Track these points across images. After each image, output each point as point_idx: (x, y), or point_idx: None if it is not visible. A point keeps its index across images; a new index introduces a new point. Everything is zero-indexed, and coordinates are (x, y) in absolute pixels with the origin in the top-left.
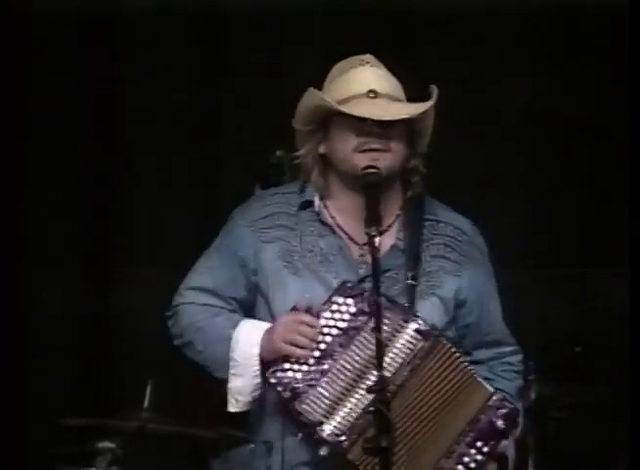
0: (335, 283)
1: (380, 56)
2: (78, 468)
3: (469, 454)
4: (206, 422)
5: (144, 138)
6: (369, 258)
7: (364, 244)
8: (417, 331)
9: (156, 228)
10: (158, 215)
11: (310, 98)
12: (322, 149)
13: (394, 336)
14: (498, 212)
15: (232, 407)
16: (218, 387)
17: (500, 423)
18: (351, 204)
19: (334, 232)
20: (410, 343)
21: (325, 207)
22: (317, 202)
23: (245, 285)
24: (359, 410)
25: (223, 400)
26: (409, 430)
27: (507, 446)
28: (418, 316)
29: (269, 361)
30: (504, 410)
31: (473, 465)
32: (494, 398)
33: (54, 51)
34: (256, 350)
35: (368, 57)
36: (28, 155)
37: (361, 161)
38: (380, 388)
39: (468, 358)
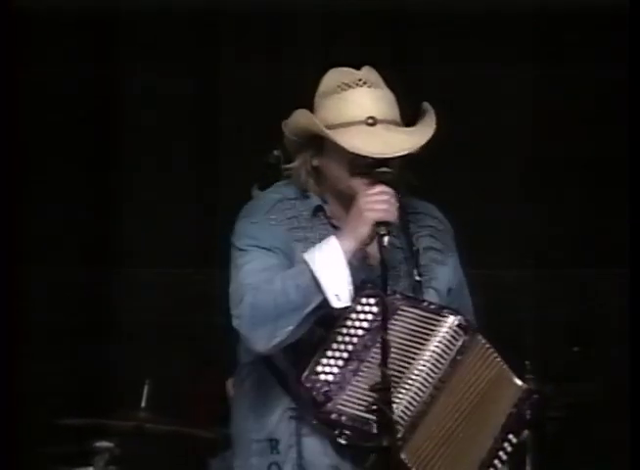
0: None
1: (377, 57)
2: (76, 468)
3: (503, 448)
4: (204, 422)
5: (143, 138)
6: (372, 260)
7: (365, 245)
8: (459, 326)
9: (155, 228)
10: (157, 215)
11: (303, 119)
12: (316, 162)
13: (432, 330)
14: (497, 213)
15: (335, 303)
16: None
17: (529, 413)
18: (346, 210)
19: None
20: (452, 337)
21: (332, 212)
22: (327, 207)
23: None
24: (402, 407)
25: (221, 400)
26: (453, 427)
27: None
28: (453, 310)
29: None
30: (531, 401)
31: (505, 457)
32: (523, 389)
33: (53, 50)
34: (336, 244)
35: (365, 73)
36: (27, 154)
37: (358, 184)
38: (383, 387)
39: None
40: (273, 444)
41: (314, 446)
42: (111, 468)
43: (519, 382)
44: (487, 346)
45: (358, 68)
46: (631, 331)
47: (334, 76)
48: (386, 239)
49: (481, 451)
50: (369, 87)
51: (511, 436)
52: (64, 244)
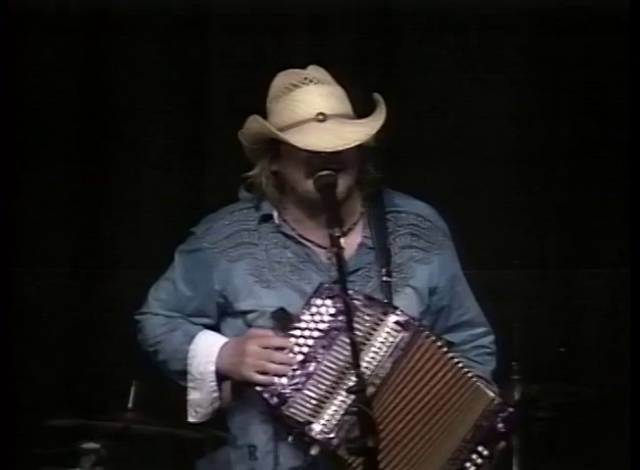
0: (308, 289)
1: (362, 57)
2: (63, 469)
3: (471, 460)
4: (192, 422)
5: (139, 139)
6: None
7: (330, 246)
8: (396, 323)
9: (144, 230)
10: (147, 217)
11: (255, 124)
12: (274, 167)
13: (375, 330)
14: (484, 213)
15: (192, 418)
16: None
17: (501, 426)
18: (309, 212)
19: (297, 241)
20: (391, 335)
21: (284, 219)
22: (276, 214)
23: (211, 304)
24: (346, 408)
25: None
26: (402, 426)
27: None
28: (396, 308)
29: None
30: (505, 414)
31: (473, 469)
32: (495, 402)
33: (52, 50)
34: (212, 367)
35: (312, 72)
36: (20, 156)
37: (313, 187)
38: (360, 388)
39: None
40: (251, 450)
41: (291, 452)
42: (97, 469)
43: (489, 393)
44: (433, 339)
45: (347, 68)
46: (631, 331)
47: (281, 79)
48: (342, 240)
49: (441, 460)
50: (315, 84)
51: (481, 448)
52: (49, 244)
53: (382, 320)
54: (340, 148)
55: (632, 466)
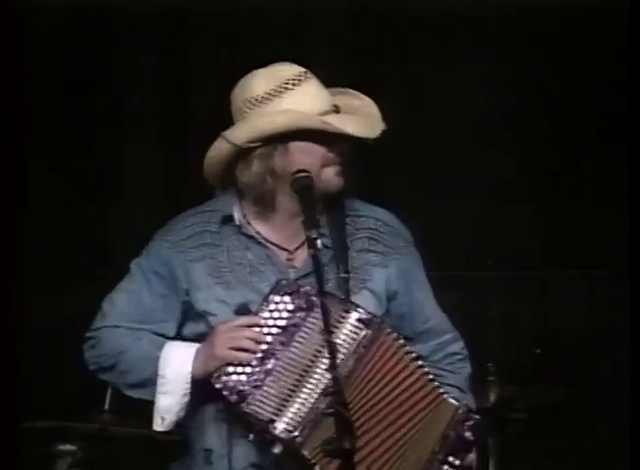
0: (267, 291)
1: (346, 55)
2: None
3: None
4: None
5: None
6: (297, 262)
7: (295, 249)
8: (359, 320)
9: (128, 232)
10: (132, 220)
11: (282, 118)
12: (276, 164)
13: (337, 328)
14: (463, 214)
15: (158, 427)
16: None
17: (469, 435)
18: (288, 213)
19: (258, 242)
20: (353, 332)
21: (248, 221)
22: (237, 215)
23: (177, 306)
24: (309, 406)
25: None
26: (368, 427)
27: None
28: (358, 306)
29: (200, 380)
30: (471, 422)
31: None
32: (460, 411)
33: (51, 49)
34: (188, 367)
35: (298, 67)
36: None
37: (329, 175)
38: (336, 390)
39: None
40: (207, 454)
41: (245, 457)
42: None
43: (453, 402)
44: (395, 335)
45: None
46: (632, 331)
47: (268, 76)
48: (319, 242)
49: None
50: (314, 79)
51: (451, 458)
52: (37, 243)
53: (344, 317)
54: (377, 134)
55: (632, 466)
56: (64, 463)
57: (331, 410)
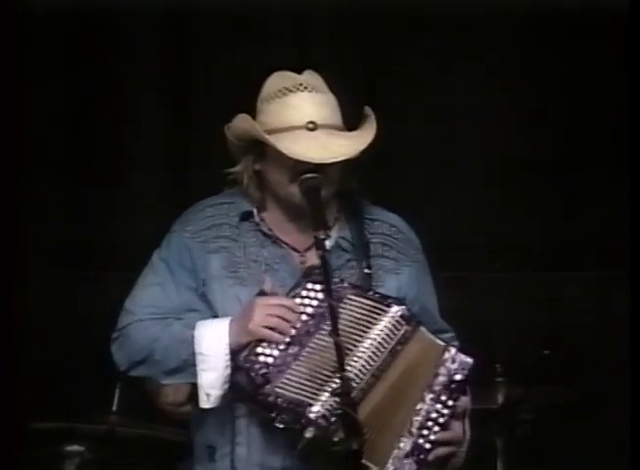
0: (281, 291)
1: (348, 58)
2: None
3: (436, 410)
4: (175, 425)
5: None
6: (309, 264)
7: (305, 250)
8: (402, 316)
9: (130, 233)
10: (133, 220)
11: (244, 123)
12: (257, 167)
13: (375, 319)
14: (468, 215)
15: (205, 404)
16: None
17: (458, 375)
18: (288, 215)
19: (274, 242)
20: (394, 327)
21: (262, 218)
22: (255, 212)
23: (198, 295)
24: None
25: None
26: (389, 414)
27: (467, 405)
28: (398, 300)
29: (238, 350)
30: (459, 362)
31: (442, 420)
32: (449, 350)
33: (51, 49)
34: (226, 340)
35: (306, 78)
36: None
37: (297, 191)
38: (345, 391)
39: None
40: (210, 451)
41: (247, 457)
42: None
43: (439, 342)
44: (431, 338)
45: (335, 69)
46: (632, 331)
47: (276, 81)
48: (327, 243)
49: (407, 412)
50: (310, 92)
51: (444, 397)
52: (42, 245)
53: (384, 310)
54: (327, 161)
55: (632, 466)
56: (72, 464)
57: (339, 411)
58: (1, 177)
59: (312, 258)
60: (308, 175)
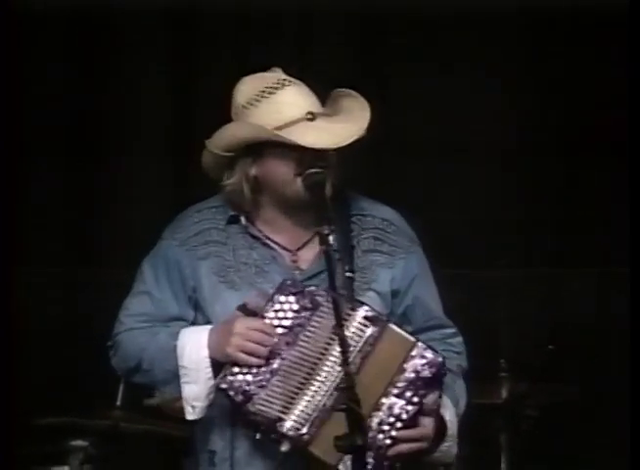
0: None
1: (349, 56)
2: (51, 467)
3: (399, 405)
4: (179, 420)
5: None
6: (302, 263)
7: (298, 248)
8: (365, 318)
9: (128, 230)
10: (132, 219)
11: (246, 130)
12: (254, 172)
13: (343, 325)
14: (472, 212)
15: (190, 416)
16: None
17: (426, 372)
18: (288, 213)
19: (264, 243)
20: (360, 330)
21: (251, 221)
22: (243, 216)
23: (187, 303)
24: (316, 404)
25: None
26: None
27: (443, 405)
28: (364, 303)
29: (219, 363)
30: (427, 359)
31: (405, 416)
32: (417, 346)
33: (51, 49)
34: (205, 352)
35: (281, 74)
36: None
37: (301, 186)
38: (348, 385)
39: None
40: (211, 455)
41: (246, 462)
42: (86, 467)
43: (409, 337)
44: (401, 334)
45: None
46: (632, 331)
47: (251, 85)
48: (331, 238)
49: (369, 407)
50: (294, 85)
51: (408, 394)
52: (41, 243)
53: (350, 315)
54: (344, 143)
55: (632, 466)
56: (76, 459)
57: (343, 406)
58: (1, 177)
59: (304, 257)
60: (313, 170)
